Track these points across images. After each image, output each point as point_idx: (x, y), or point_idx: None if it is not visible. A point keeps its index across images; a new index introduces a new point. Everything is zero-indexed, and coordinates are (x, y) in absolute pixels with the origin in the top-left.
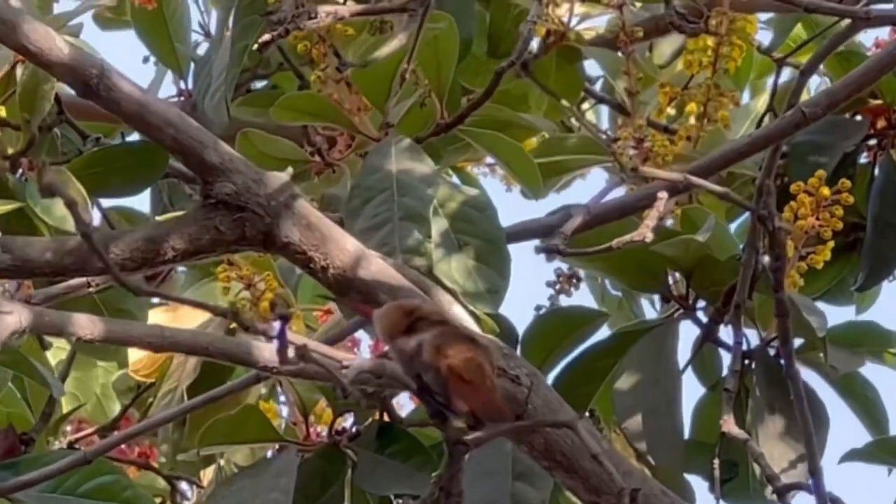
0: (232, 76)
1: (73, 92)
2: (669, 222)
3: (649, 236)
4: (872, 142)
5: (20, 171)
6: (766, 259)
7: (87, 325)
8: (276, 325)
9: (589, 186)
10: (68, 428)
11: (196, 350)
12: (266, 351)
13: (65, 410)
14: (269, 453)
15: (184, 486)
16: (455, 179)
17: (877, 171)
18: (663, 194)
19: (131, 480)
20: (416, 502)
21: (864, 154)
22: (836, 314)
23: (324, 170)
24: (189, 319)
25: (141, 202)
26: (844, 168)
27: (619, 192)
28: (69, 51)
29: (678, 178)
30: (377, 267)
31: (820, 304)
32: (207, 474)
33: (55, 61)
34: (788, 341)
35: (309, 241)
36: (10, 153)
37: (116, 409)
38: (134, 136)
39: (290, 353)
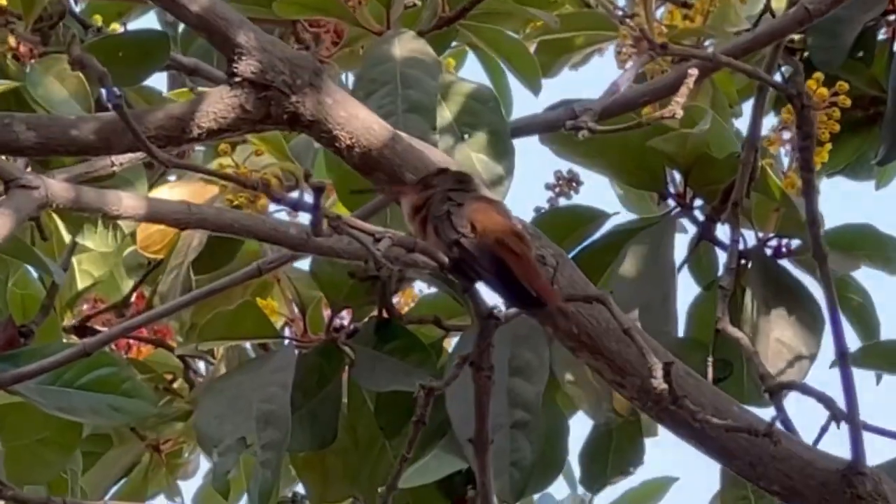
0: None
1: None
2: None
3: (679, 112)
4: (892, 17)
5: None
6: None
7: (114, 201)
8: (310, 196)
9: (606, 63)
10: (85, 306)
11: (222, 227)
12: (292, 227)
13: (80, 288)
14: None
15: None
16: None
17: None
18: (693, 71)
19: (131, 371)
20: (440, 383)
21: (884, 30)
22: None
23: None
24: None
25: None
26: (864, 41)
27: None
28: None
29: (706, 55)
30: (403, 147)
31: (840, 179)
32: (220, 351)
33: None
34: (816, 222)
35: (334, 119)
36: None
37: (130, 286)
38: (136, 24)
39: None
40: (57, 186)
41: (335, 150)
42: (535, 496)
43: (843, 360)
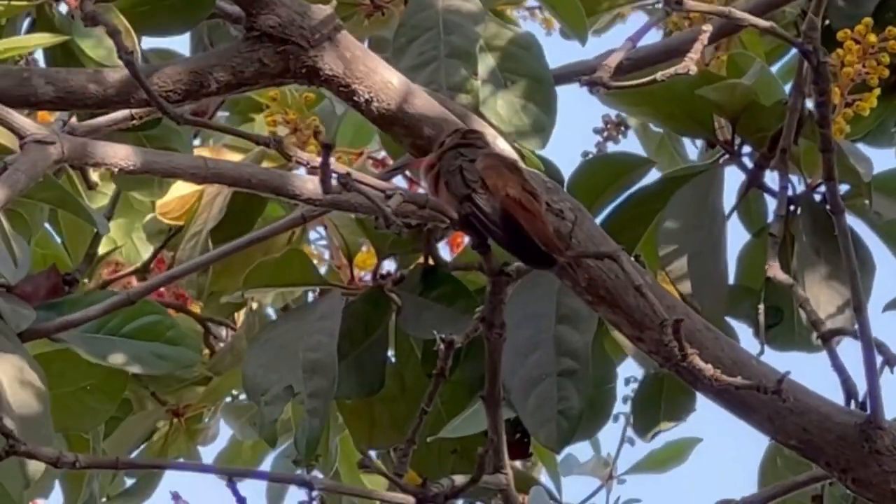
0: None
1: None
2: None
3: (693, 68)
4: None
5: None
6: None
7: (129, 155)
8: (320, 154)
9: (629, 30)
10: (104, 271)
11: (239, 182)
12: (309, 183)
13: (100, 253)
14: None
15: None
16: None
17: None
18: (707, 27)
19: (174, 320)
20: (459, 337)
21: None
22: (877, 157)
23: (373, 12)
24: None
25: (181, 44)
26: (886, 7)
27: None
28: None
29: (723, 11)
30: (422, 101)
31: (861, 147)
32: (241, 317)
33: None
34: (833, 178)
35: (353, 74)
36: None
37: (150, 252)
38: None
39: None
40: (73, 142)
41: (354, 105)
42: (559, 457)
43: (860, 314)
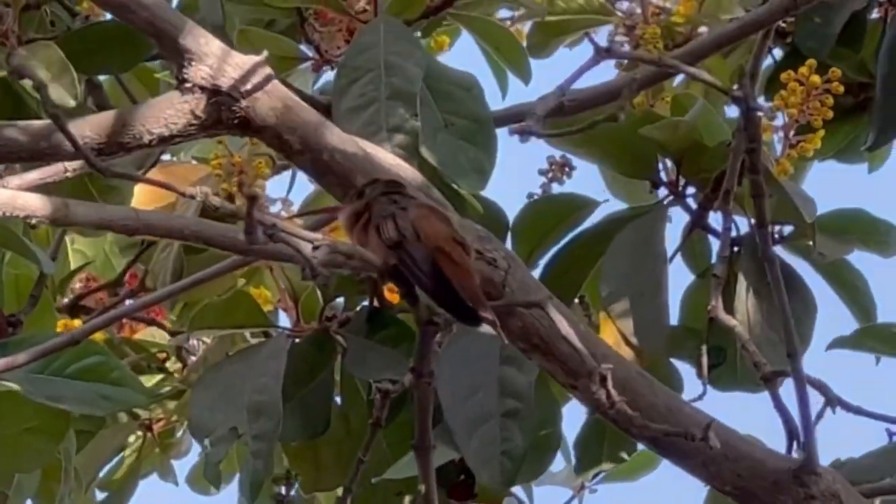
0: None
1: None
2: None
3: (621, 116)
4: None
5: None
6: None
7: (59, 208)
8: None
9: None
10: (77, 285)
11: (171, 233)
12: (241, 234)
13: (72, 268)
14: None
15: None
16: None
17: (887, 30)
18: (637, 74)
19: (119, 361)
20: (394, 387)
21: (876, 10)
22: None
23: (322, 66)
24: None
25: None
26: (853, 27)
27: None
28: None
29: (652, 58)
30: (355, 150)
31: (832, 163)
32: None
33: None
34: (765, 224)
35: (285, 125)
36: None
37: (123, 264)
38: None
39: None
40: (3, 194)
41: (286, 155)
42: None
43: (793, 359)
